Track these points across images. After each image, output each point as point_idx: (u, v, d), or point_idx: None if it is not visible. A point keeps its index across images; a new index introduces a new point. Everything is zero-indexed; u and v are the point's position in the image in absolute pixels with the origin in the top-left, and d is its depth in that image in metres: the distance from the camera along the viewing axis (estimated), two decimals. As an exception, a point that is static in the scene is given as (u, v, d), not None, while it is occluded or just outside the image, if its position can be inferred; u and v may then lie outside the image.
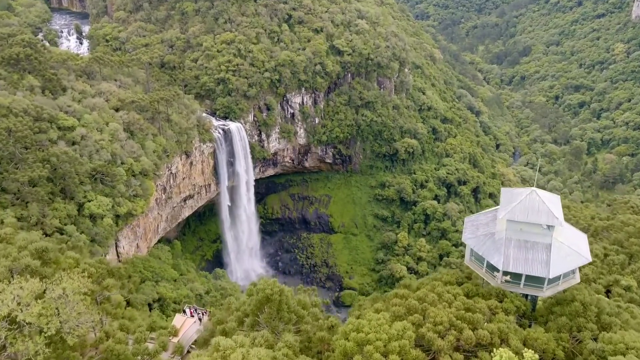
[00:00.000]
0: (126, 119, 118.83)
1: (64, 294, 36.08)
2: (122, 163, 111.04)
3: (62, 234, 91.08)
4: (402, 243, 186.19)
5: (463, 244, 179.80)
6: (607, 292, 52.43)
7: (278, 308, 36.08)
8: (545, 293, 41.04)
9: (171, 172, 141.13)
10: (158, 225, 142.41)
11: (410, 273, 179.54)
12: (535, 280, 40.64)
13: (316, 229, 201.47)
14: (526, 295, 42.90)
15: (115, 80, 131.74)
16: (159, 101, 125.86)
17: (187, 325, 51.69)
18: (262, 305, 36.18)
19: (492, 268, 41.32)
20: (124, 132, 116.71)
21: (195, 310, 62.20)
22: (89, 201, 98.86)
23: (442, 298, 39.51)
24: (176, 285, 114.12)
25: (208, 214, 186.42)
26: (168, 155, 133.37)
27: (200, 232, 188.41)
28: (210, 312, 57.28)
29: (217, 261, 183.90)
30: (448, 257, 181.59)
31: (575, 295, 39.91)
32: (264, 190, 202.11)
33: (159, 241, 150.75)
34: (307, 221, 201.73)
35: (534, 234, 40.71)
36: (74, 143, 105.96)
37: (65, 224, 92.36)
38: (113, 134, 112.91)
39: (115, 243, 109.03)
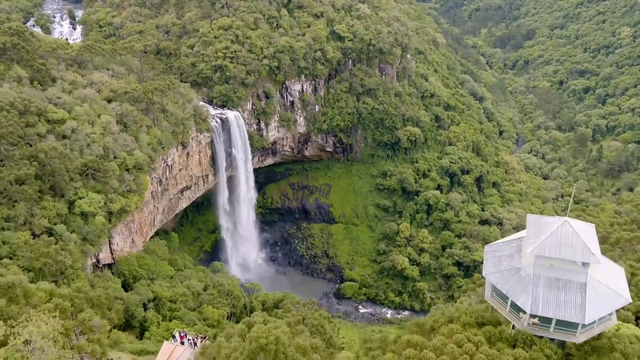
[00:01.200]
0: (119, 110, 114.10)
1: (30, 338, 32.20)
2: (115, 157, 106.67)
3: (51, 234, 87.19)
4: (404, 234, 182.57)
5: (466, 235, 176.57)
6: (637, 320, 48.61)
7: (274, 357, 32.34)
8: (579, 339, 36.39)
9: (167, 164, 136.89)
10: (154, 218, 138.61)
11: (412, 265, 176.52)
12: (567, 325, 35.96)
13: (316, 218, 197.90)
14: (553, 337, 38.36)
15: (108, 69, 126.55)
16: (153, 91, 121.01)
17: (176, 355, 47.88)
18: (256, 355, 32.45)
19: (517, 308, 36.85)
20: (117, 125, 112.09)
21: (186, 335, 58.28)
22: (80, 198, 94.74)
23: (462, 348, 35.37)
24: (172, 283, 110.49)
25: (206, 204, 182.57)
26: (163, 147, 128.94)
27: (198, 222, 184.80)
28: (203, 337, 53.40)
29: (215, 252, 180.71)
30: (451, 249, 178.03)
31: (614, 343, 35.55)
32: (263, 179, 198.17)
33: (156, 233, 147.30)
34: (307, 211, 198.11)
35: (566, 270, 35.73)
36: (64, 137, 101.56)
37: (55, 224, 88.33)
38: (105, 127, 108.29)
39: (109, 240, 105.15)
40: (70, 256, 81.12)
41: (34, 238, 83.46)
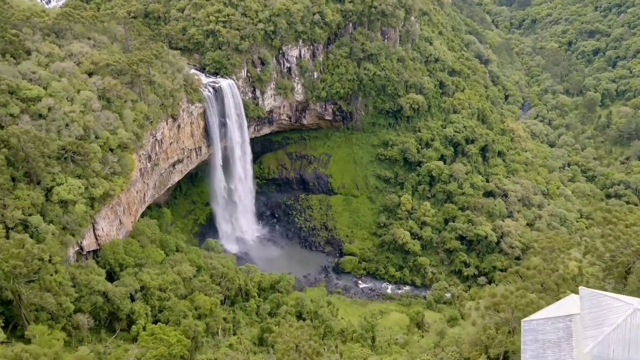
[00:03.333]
0: (100, 85, 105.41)
1: None
2: (97, 137, 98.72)
3: (26, 226, 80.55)
4: (406, 206, 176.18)
5: (470, 208, 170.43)
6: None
7: None
8: None
9: (156, 139, 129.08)
10: (144, 194, 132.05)
11: (414, 239, 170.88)
12: None
13: (315, 189, 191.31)
14: None
15: (89, 38, 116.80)
16: (138, 63, 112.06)
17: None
18: None
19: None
20: (99, 101, 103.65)
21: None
22: (59, 185, 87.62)
23: None
24: (162, 269, 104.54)
25: (201, 174, 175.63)
26: (151, 122, 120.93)
27: (192, 194, 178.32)
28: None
29: (211, 225, 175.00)
30: (454, 222, 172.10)
31: None
32: (259, 149, 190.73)
33: (148, 208, 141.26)
34: (306, 181, 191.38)
35: (636, 374, 28.68)
36: (40, 116, 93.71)
37: (30, 214, 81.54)
38: (85, 104, 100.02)
39: (93, 226, 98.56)
40: (46, 251, 74.58)
41: (7, 232, 76.94)
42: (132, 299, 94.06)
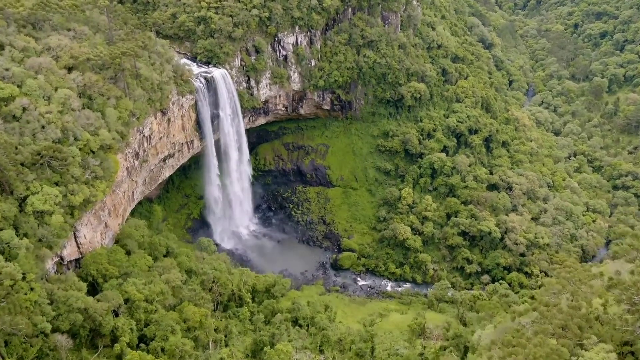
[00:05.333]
0: (81, 81, 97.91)
1: None
2: (76, 139, 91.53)
3: (-4, 242, 74.10)
4: (407, 200, 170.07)
5: (473, 202, 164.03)
6: None
7: None
8: None
9: (144, 135, 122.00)
10: (133, 192, 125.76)
11: (415, 234, 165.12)
12: None
13: (313, 181, 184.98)
14: None
15: (69, 29, 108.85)
16: (121, 56, 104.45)
17: None
18: None
19: None
20: (79, 99, 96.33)
21: None
22: (33, 194, 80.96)
23: None
24: (149, 277, 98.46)
25: (194, 167, 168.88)
26: (138, 118, 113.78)
27: (185, 188, 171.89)
28: None
29: (204, 220, 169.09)
30: (456, 217, 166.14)
31: None
32: (254, 139, 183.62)
33: (138, 203, 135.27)
34: (303, 173, 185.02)
35: None
36: (14, 117, 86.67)
37: (2, 229, 75.02)
38: (64, 103, 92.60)
39: (74, 234, 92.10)
40: (15, 274, 68.51)
41: (-26, 249, 70.68)
42: (116, 314, 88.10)
